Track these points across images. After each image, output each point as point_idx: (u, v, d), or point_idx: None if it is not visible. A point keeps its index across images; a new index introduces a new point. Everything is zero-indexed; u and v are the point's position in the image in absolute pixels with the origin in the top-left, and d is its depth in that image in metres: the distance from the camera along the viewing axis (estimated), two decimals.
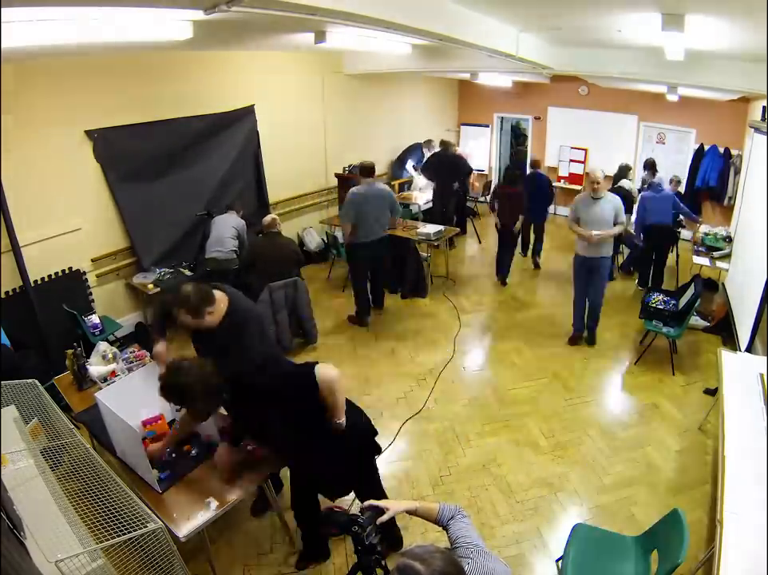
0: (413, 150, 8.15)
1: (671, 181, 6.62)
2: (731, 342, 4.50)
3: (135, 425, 2.34)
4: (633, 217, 6.43)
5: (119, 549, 2.00)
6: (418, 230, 5.99)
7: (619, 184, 6.32)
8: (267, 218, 4.80)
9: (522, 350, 4.92)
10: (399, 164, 8.21)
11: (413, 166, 8.14)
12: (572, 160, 8.66)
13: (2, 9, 1.82)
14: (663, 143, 7.87)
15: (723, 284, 5.50)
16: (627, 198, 6.11)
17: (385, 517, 1.63)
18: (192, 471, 2.48)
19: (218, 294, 2.56)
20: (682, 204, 5.92)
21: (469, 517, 1.61)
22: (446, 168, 7.14)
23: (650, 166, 7.05)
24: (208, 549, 2.48)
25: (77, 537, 1.94)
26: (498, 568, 1.39)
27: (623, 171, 7.18)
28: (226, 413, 2.45)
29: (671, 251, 6.22)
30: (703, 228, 6.39)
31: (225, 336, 2.52)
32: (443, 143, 7.35)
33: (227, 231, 4.96)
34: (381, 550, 1.67)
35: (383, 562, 1.80)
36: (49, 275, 4.42)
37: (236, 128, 5.70)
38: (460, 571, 1.21)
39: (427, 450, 3.63)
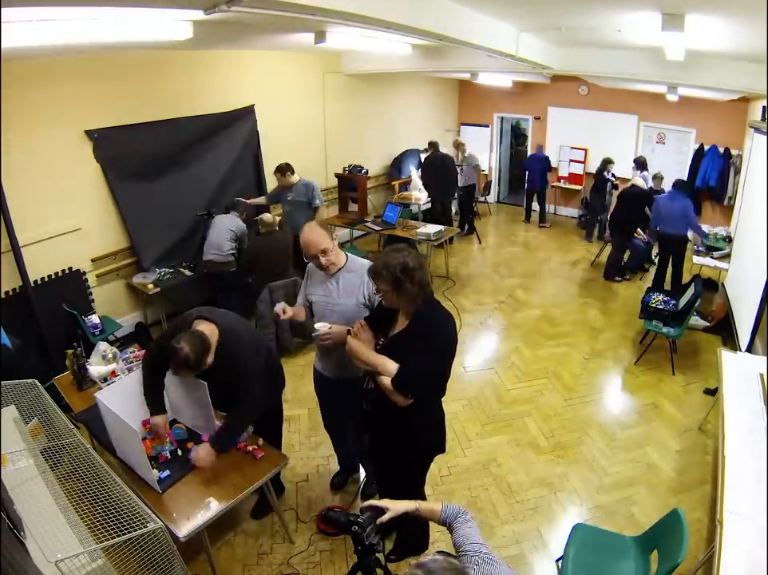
0: (410, 155, 8.15)
1: (654, 177, 6.65)
2: (731, 342, 4.50)
3: (135, 425, 2.34)
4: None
5: (119, 549, 2.00)
6: (418, 230, 6.00)
7: (632, 182, 6.29)
8: (269, 217, 4.80)
9: (522, 350, 4.92)
10: (395, 166, 8.21)
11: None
12: (572, 160, 8.66)
13: (2, 9, 1.83)
14: (663, 143, 7.88)
15: (723, 284, 5.50)
16: (645, 198, 6.04)
17: (385, 518, 1.63)
18: (192, 471, 2.48)
19: (205, 327, 2.35)
20: (693, 217, 5.74)
21: (472, 519, 1.60)
22: (438, 169, 7.21)
23: (640, 164, 7.08)
24: (208, 549, 2.48)
25: (77, 537, 1.94)
26: (504, 571, 1.38)
27: (605, 164, 7.23)
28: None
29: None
30: (703, 228, 6.39)
31: (223, 363, 2.38)
32: (431, 144, 7.39)
33: (224, 233, 4.96)
34: (381, 550, 1.67)
35: (384, 563, 1.80)
36: (49, 275, 4.42)
37: (236, 128, 5.70)
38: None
39: None
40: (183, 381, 2.63)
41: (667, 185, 6.36)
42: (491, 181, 9.49)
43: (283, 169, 5.34)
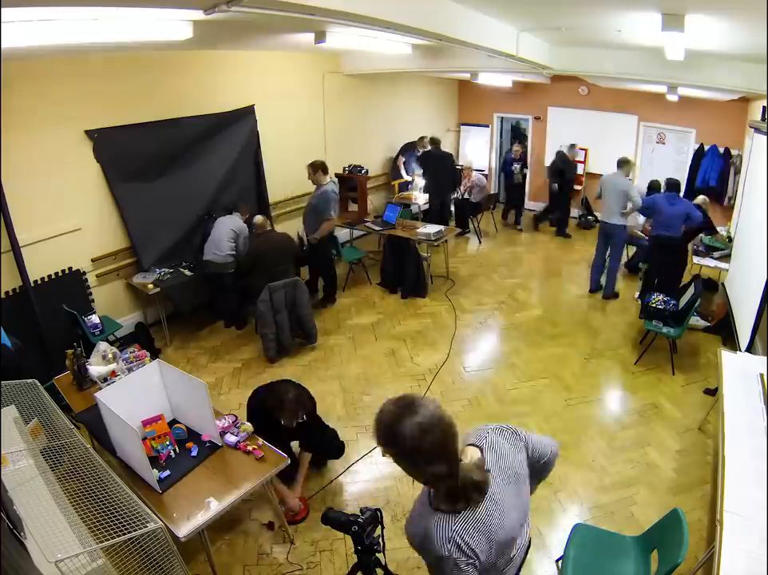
0: (406, 150, 8.14)
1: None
2: (731, 342, 4.50)
3: (135, 425, 2.34)
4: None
5: (119, 549, 2.01)
6: (418, 230, 6.00)
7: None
8: (259, 218, 4.82)
9: (522, 350, 4.92)
10: (395, 164, 8.21)
11: (404, 166, 8.14)
12: None
13: (2, 9, 1.83)
14: (663, 143, 7.87)
15: (723, 284, 5.49)
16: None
17: None
18: (191, 471, 2.48)
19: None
20: (700, 215, 5.30)
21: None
22: (437, 165, 7.21)
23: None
24: (208, 549, 2.48)
25: (77, 537, 1.94)
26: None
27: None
28: None
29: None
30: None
31: None
32: (432, 140, 7.38)
33: (225, 233, 4.97)
34: (381, 549, 1.67)
35: (383, 562, 1.80)
36: (49, 275, 4.42)
37: (236, 128, 5.69)
38: (442, 417, 1.24)
39: None
40: (184, 381, 2.64)
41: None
42: (498, 192, 9.47)
43: (316, 166, 5.36)
